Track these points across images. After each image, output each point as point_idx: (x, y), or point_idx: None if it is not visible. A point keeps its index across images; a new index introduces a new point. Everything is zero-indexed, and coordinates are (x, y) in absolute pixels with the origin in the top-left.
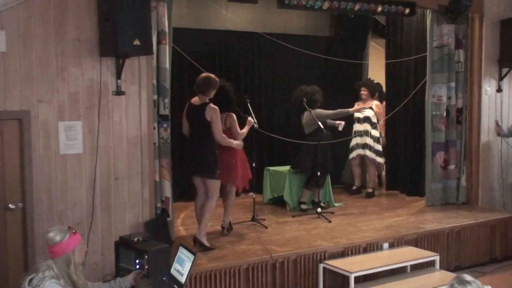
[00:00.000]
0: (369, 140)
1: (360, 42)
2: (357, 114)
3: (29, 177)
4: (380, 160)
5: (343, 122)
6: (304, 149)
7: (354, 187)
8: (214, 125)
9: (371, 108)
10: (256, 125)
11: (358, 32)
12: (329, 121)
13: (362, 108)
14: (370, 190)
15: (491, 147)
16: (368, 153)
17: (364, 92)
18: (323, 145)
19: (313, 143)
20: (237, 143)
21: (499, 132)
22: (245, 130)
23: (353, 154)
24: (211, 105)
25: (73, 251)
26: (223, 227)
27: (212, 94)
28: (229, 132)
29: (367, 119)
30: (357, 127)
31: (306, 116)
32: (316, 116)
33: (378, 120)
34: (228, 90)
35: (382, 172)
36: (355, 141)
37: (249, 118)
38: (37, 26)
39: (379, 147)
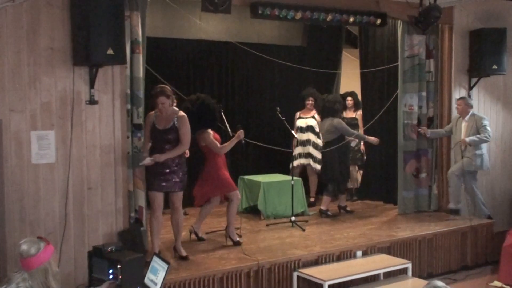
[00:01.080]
0: (312, 150)
1: (334, 52)
2: (300, 124)
3: (1, 187)
4: (316, 166)
5: (357, 140)
6: (329, 156)
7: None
8: None
9: (313, 117)
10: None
11: (331, 42)
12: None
13: (376, 140)
14: (312, 199)
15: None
16: (311, 162)
17: (311, 101)
18: (343, 151)
19: (283, 149)
20: (146, 160)
21: (426, 134)
22: (228, 143)
23: (295, 164)
24: None
25: (49, 261)
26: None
27: (156, 103)
28: (209, 149)
29: (310, 128)
30: (299, 136)
31: (327, 124)
32: (337, 126)
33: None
34: (208, 105)
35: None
36: (297, 150)
37: (239, 131)
38: (9, 35)
39: (319, 156)
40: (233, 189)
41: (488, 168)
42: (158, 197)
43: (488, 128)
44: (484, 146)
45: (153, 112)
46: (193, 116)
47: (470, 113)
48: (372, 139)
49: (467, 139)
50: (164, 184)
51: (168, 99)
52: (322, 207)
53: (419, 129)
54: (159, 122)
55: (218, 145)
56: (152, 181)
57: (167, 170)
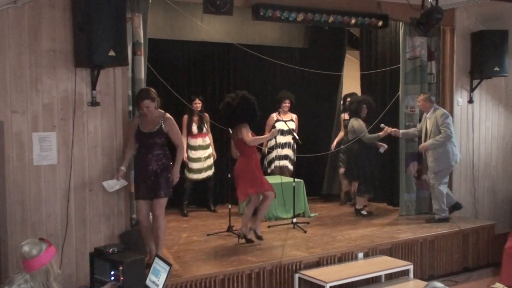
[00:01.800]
0: (290, 152)
1: (336, 53)
2: (281, 126)
3: (2, 189)
4: (291, 168)
5: (385, 146)
6: (348, 155)
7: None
8: None
9: (292, 120)
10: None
11: (333, 44)
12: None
13: (391, 130)
14: None
15: (463, 157)
16: (288, 164)
17: (288, 104)
18: (360, 152)
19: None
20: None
21: (398, 136)
22: (260, 137)
23: (272, 166)
24: None
25: (50, 262)
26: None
27: (140, 107)
28: (245, 145)
29: (291, 132)
30: (280, 139)
31: (349, 123)
32: (358, 128)
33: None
34: (248, 99)
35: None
36: (275, 152)
37: (274, 130)
38: (11, 36)
39: (294, 158)
40: (269, 189)
41: (456, 162)
42: (143, 208)
43: (450, 125)
44: (447, 143)
45: (137, 116)
46: (234, 110)
47: (432, 109)
48: (385, 132)
49: (428, 144)
50: (150, 190)
51: (153, 102)
52: (357, 207)
53: (390, 132)
54: (144, 126)
55: (250, 136)
56: (139, 188)
57: (152, 177)
